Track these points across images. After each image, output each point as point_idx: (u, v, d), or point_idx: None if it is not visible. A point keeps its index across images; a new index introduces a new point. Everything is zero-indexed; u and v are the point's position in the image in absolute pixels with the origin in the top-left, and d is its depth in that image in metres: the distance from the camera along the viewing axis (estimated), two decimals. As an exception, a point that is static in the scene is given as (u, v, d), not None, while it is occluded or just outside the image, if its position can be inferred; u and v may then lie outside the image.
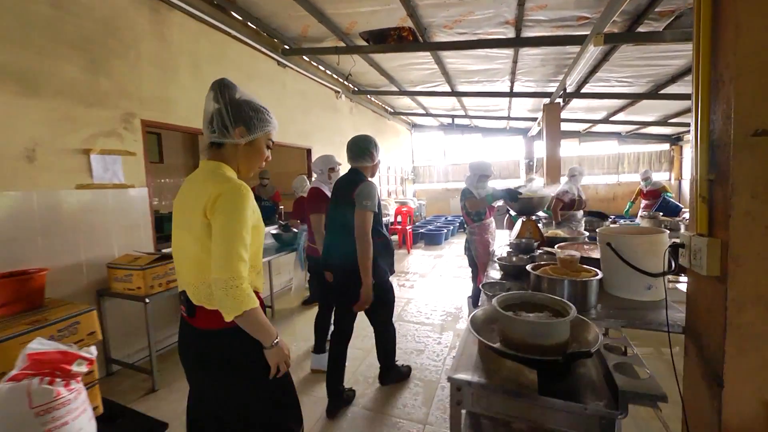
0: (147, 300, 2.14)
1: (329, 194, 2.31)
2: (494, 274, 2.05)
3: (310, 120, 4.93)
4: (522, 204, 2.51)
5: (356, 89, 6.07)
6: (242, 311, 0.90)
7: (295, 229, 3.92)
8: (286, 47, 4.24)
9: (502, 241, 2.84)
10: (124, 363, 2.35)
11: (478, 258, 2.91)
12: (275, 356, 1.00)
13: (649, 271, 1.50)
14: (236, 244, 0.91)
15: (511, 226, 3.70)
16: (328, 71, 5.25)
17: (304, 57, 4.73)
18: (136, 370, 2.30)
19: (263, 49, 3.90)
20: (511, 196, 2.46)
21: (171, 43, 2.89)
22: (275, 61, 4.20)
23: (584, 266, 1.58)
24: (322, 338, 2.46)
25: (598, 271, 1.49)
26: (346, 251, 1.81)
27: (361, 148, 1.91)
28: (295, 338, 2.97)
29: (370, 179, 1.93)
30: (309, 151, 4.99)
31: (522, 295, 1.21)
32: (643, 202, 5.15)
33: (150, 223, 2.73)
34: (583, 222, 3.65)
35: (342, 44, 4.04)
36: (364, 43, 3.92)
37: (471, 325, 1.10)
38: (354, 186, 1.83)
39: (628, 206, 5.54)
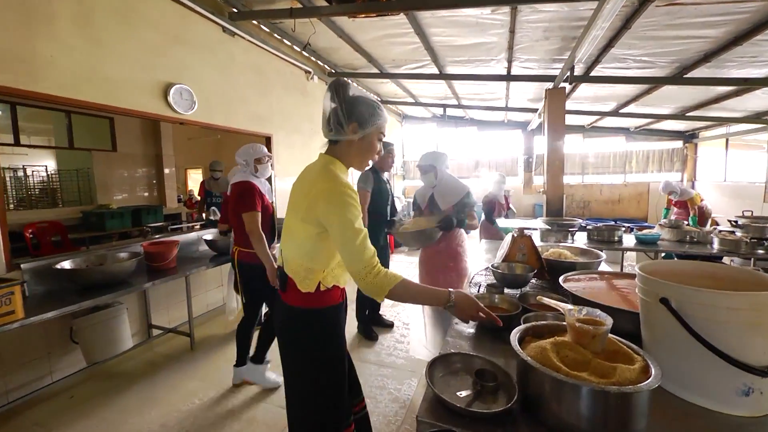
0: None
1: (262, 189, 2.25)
2: (463, 325, 1.31)
3: (269, 102, 4.15)
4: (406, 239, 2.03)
5: (333, 71, 5.29)
6: (387, 291, 0.97)
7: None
8: (234, 10, 3.47)
9: (479, 263, 2.05)
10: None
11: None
12: (460, 313, 1.03)
13: (750, 363, 0.77)
14: (356, 238, 0.97)
15: (488, 236, 2.89)
16: (296, 47, 4.47)
17: (263, 27, 3.96)
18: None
19: (200, 10, 3.13)
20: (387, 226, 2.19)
21: (41, -19, 2.12)
22: (220, 26, 3.43)
23: (617, 341, 0.84)
24: (245, 350, 2.25)
25: (650, 362, 0.75)
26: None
27: None
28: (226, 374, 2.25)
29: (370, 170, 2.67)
30: (269, 140, 4.22)
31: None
32: (675, 210, 4.44)
33: None
34: None
35: (299, 5, 3.27)
36: (325, 4, 3.15)
37: None
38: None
39: (664, 213, 4.85)
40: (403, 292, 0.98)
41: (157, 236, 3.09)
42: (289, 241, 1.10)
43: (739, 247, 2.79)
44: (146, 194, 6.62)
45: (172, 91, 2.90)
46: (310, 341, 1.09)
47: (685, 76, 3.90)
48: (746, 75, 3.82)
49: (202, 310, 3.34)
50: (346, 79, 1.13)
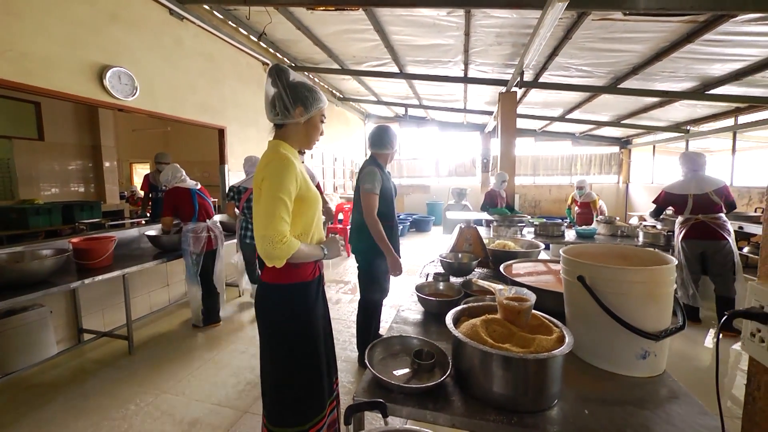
0: None
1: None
2: (410, 312, 1.34)
3: (222, 93, 3.95)
4: None
5: (293, 64, 5.16)
6: (285, 261, 1.07)
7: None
8: (183, -8, 3.26)
9: (428, 255, 2.12)
10: None
11: None
12: (333, 254, 1.23)
13: (646, 330, 0.87)
14: (277, 207, 1.03)
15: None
16: (252, 37, 4.30)
17: (216, 13, 3.77)
18: None
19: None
20: None
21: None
22: (166, 8, 3.20)
23: (540, 316, 0.91)
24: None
25: (565, 332, 0.83)
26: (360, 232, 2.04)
27: (378, 136, 2.08)
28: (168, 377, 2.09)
29: (375, 165, 2.04)
30: (221, 132, 4.02)
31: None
32: (577, 210, 4.97)
33: None
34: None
35: (253, -8, 3.15)
36: (281, -8, 3.07)
37: None
38: (361, 170, 2.04)
39: (567, 212, 5.43)
40: (301, 255, 1.11)
41: (92, 233, 2.82)
42: (256, 225, 1.19)
43: (659, 240, 3.15)
44: (82, 189, 6.00)
45: (108, 74, 2.65)
46: (279, 314, 1.16)
47: (618, 86, 4.32)
48: (667, 88, 4.31)
49: (145, 311, 3.10)
50: (285, 66, 1.18)
